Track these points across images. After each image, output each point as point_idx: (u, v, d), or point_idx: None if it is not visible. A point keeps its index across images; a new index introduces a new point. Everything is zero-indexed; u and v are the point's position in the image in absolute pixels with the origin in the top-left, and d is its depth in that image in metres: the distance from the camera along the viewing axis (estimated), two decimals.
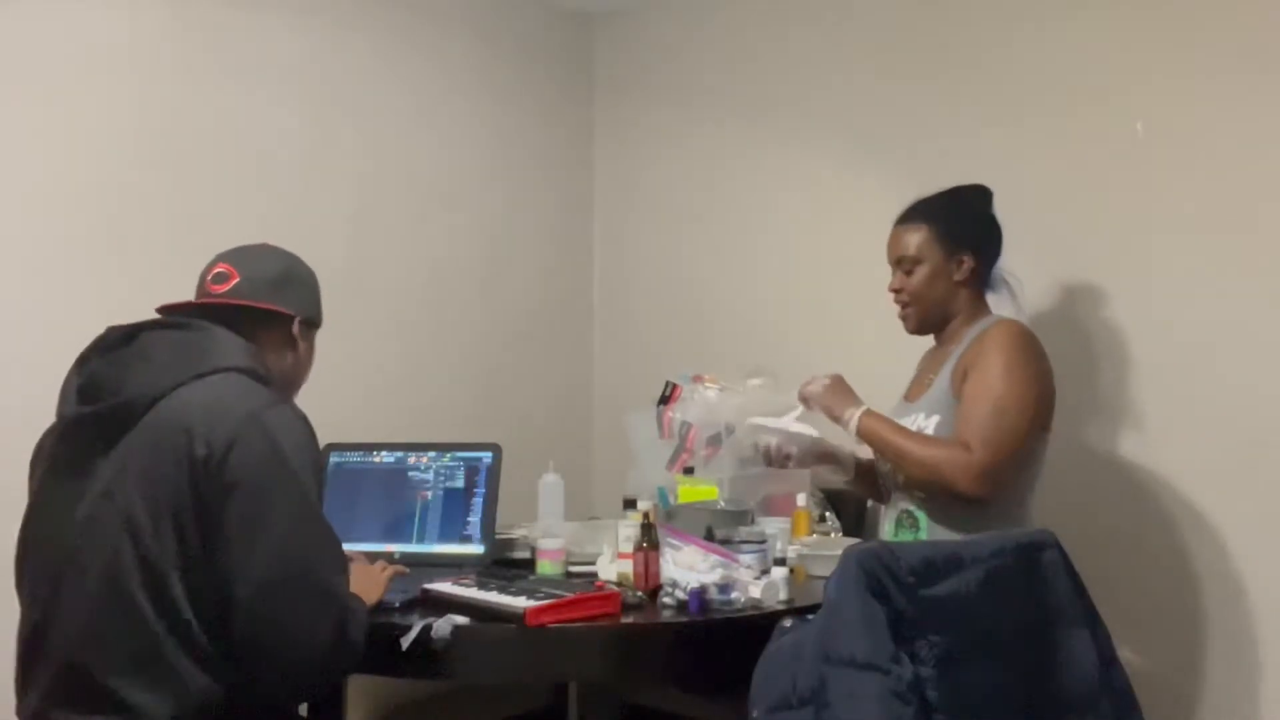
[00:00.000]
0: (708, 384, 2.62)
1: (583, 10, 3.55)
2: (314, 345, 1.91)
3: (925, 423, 2.16)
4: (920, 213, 2.26)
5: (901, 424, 2.21)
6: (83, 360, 1.68)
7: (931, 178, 2.37)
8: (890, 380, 2.50)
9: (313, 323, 1.89)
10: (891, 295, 2.28)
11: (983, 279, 2.26)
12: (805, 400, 2.27)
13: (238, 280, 1.77)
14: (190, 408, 1.58)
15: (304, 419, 1.67)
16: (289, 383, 1.85)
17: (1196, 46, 2.40)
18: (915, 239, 2.23)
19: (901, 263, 2.25)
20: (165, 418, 1.58)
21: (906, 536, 2.17)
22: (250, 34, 2.79)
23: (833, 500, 2.59)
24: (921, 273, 2.22)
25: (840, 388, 2.25)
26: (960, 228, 2.23)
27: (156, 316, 1.73)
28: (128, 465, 1.57)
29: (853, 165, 2.98)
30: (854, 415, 2.18)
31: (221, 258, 1.81)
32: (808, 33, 3.08)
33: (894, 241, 2.28)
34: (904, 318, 2.28)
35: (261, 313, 1.77)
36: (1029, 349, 2.13)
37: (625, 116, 3.54)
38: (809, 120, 3.08)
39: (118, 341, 1.67)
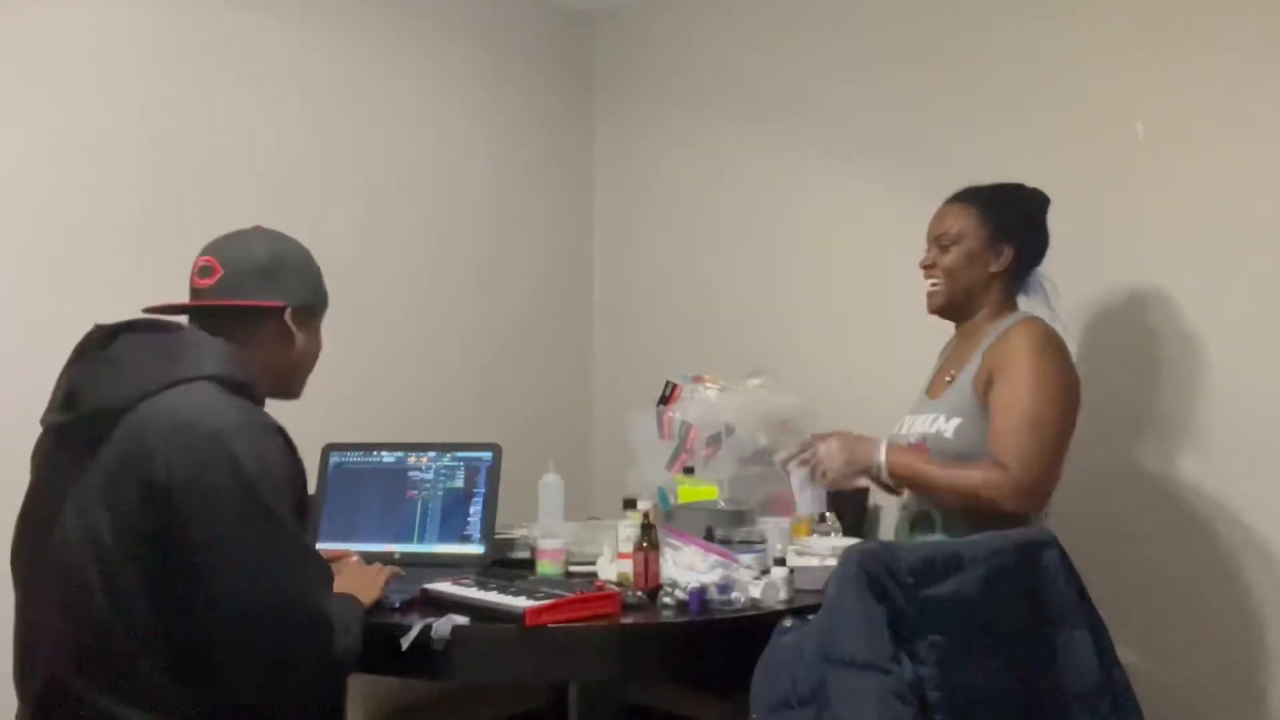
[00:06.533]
0: (708, 384, 2.62)
1: (583, 10, 3.55)
2: (318, 330, 1.82)
3: (945, 424, 2.13)
4: (973, 195, 2.23)
5: (919, 420, 2.20)
6: (69, 364, 1.65)
7: (933, 178, 2.37)
8: (892, 382, 2.50)
9: (309, 308, 1.79)
10: (922, 271, 2.25)
11: (1018, 277, 2.23)
12: (835, 482, 2.22)
13: (221, 275, 1.70)
14: (155, 426, 1.51)
15: (276, 430, 1.61)
16: (292, 373, 1.78)
17: (1196, 46, 2.40)
18: (960, 218, 2.20)
19: (940, 239, 2.22)
20: (130, 434, 1.52)
21: (922, 538, 2.15)
22: (249, 35, 2.78)
23: (833, 500, 2.58)
24: (958, 252, 2.19)
25: (851, 443, 2.19)
26: (1009, 219, 2.20)
27: (141, 316, 1.69)
28: (96, 482, 1.52)
29: (853, 165, 2.98)
30: (882, 457, 2.13)
31: (206, 249, 1.75)
32: (808, 33, 3.08)
33: (939, 217, 2.25)
34: (931, 294, 2.24)
35: (249, 309, 1.71)
36: (1056, 353, 2.10)
37: (625, 116, 3.54)
38: (810, 120, 3.08)
39: (97, 344, 1.63)
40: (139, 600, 1.48)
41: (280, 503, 1.54)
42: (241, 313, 1.71)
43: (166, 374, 1.56)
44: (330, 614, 1.58)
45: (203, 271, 1.72)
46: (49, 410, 1.64)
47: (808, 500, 2.27)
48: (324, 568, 1.64)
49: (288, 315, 1.74)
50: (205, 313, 1.70)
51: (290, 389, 1.81)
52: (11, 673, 1.62)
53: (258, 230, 1.80)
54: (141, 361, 1.58)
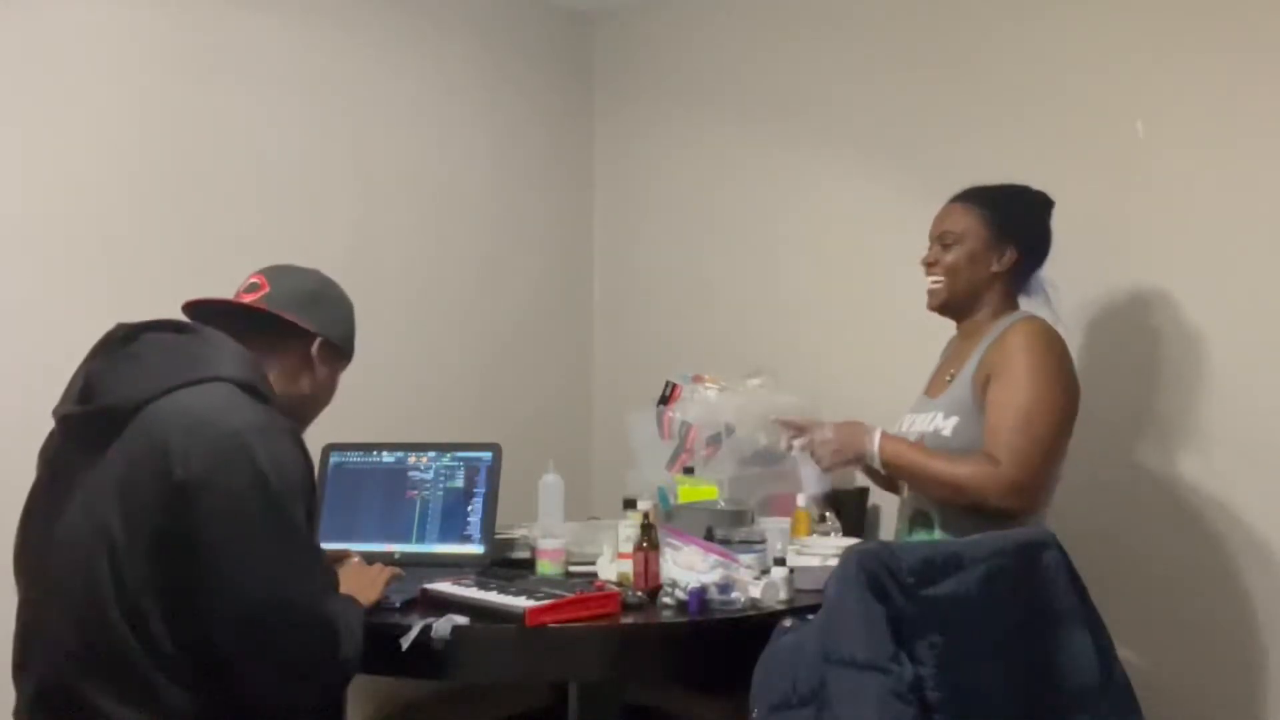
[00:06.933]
0: (708, 384, 2.62)
1: (583, 10, 3.55)
2: (336, 377, 1.85)
3: (944, 423, 2.13)
4: (977, 195, 2.24)
5: (919, 419, 2.20)
6: (88, 358, 1.65)
7: (933, 178, 2.36)
8: (892, 382, 2.50)
9: (337, 349, 1.82)
10: (924, 269, 2.25)
11: (1020, 279, 2.23)
12: (830, 469, 2.23)
13: (266, 292, 1.74)
14: (172, 422, 1.51)
15: (291, 433, 1.61)
16: (299, 407, 1.77)
17: (1196, 46, 2.40)
18: (964, 218, 2.21)
19: (943, 237, 2.22)
20: (147, 429, 1.52)
21: (921, 535, 2.16)
22: (249, 34, 2.78)
23: (833, 500, 2.58)
24: (960, 251, 2.19)
25: (844, 431, 2.20)
26: (1012, 221, 2.20)
27: (162, 317, 1.69)
28: (109, 477, 1.52)
29: (853, 165, 2.98)
30: (874, 443, 2.14)
31: (261, 270, 1.79)
32: (808, 33, 3.08)
33: (942, 216, 2.25)
34: (932, 291, 2.24)
35: (281, 326, 1.73)
36: (1055, 352, 2.10)
37: (625, 117, 3.54)
38: (810, 120, 3.08)
39: (118, 342, 1.64)
40: (145, 598, 1.48)
41: (293, 504, 1.55)
42: (271, 329, 1.73)
43: (185, 373, 1.57)
44: (335, 618, 1.58)
45: (249, 288, 1.76)
46: (63, 402, 1.64)
47: (812, 481, 2.26)
48: (330, 572, 1.65)
49: (315, 345, 1.77)
50: (239, 320, 1.71)
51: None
52: (10, 668, 1.62)
53: (313, 270, 1.85)
54: (161, 360, 1.59)
